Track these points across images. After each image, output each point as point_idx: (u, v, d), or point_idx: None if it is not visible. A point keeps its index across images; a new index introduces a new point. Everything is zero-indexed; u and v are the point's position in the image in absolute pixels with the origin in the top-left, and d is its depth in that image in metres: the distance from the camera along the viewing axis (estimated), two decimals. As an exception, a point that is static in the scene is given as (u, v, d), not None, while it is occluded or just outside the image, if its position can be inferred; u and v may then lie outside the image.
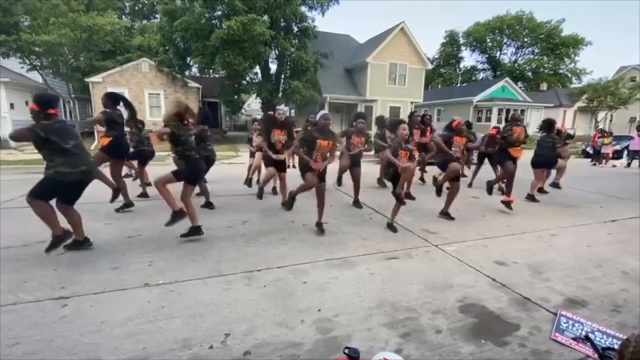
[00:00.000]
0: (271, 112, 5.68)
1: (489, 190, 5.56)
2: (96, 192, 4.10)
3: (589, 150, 14.38)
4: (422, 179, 7.49)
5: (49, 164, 3.02)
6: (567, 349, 2.04)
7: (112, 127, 4.42)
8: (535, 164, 5.86)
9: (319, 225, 4.03)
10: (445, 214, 4.76)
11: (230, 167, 9.92)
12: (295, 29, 15.76)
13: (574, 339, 2.11)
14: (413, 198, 5.78)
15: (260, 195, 5.24)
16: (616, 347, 2.01)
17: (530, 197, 5.84)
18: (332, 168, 5.42)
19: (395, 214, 4.22)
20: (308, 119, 7.87)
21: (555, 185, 6.90)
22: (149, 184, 6.03)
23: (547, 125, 5.73)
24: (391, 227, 4.22)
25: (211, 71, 17.15)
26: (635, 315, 2.42)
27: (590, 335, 2.12)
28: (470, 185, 7.19)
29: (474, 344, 2.06)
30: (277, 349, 1.96)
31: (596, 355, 1.96)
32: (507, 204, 5.15)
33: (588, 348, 2.03)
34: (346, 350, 1.77)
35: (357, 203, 5.34)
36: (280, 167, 5.05)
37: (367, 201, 5.41)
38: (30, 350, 1.90)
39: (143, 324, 2.16)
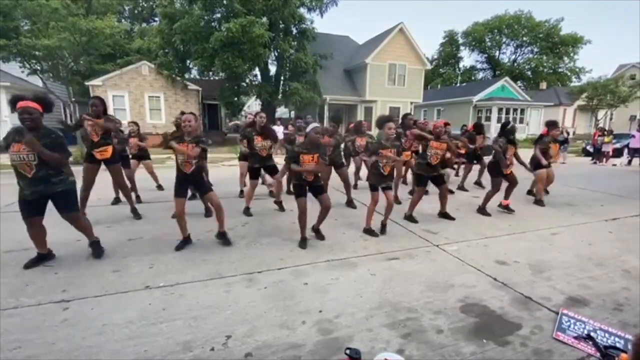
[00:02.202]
0: (251, 116, 4.99)
1: (483, 211, 5.07)
2: (96, 195, 4.10)
3: (589, 148, 14.35)
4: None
5: (65, 171, 3.00)
6: (569, 347, 2.03)
7: (110, 136, 4.32)
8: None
9: (317, 231, 3.88)
10: (444, 215, 4.76)
11: (231, 169, 9.92)
12: (294, 31, 15.78)
13: (575, 337, 2.10)
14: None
15: (247, 213, 4.79)
16: (618, 345, 2.01)
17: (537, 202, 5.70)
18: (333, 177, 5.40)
19: (387, 215, 4.12)
20: (292, 124, 7.17)
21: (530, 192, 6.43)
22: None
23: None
24: (382, 228, 4.10)
25: (211, 73, 17.12)
26: (637, 314, 2.42)
27: (592, 333, 2.11)
28: (460, 187, 6.92)
29: (475, 343, 2.06)
30: (278, 350, 1.96)
31: (598, 354, 1.96)
32: (506, 207, 5.14)
33: (590, 347, 2.02)
34: (347, 351, 1.77)
35: (350, 203, 5.35)
36: (271, 171, 4.86)
37: (368, 202, 5.38)
38: (32, 354, 1.90)
39: (144, 326, 2.16)
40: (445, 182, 4.76)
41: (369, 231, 4.04)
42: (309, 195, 3.66)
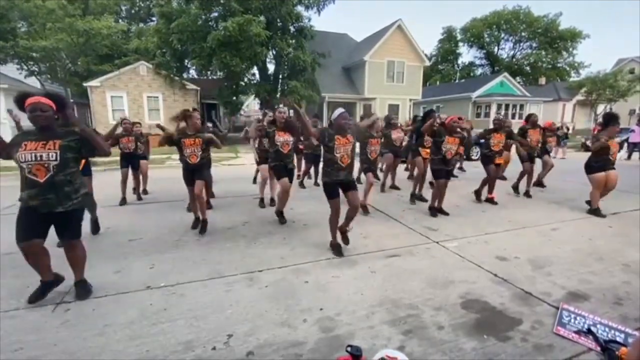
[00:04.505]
0: (270, 114, 4.93)
1: (478, 197, 5.58)
2: (96, 197, 4.09)
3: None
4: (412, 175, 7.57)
5: (81, 182, 2.51)
6: (569, 342, 2.04)
7: None
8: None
9: (343, 232, 3.45)
10: (438, 209, 4.76)
11: (230, 168, 9.92)
12: (292, 29, 15.72)
13: (576, 332, 2.11)
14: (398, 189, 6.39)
15: (281, 219, 4.44)
16: (619, 339, 2.02)
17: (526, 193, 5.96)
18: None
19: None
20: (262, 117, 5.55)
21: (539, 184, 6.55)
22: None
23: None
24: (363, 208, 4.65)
25: (209, 73, 17.09)
26: (637, 308, 2.42)
27: (592, 328, 2.12)
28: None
29: (476, 339, 2.06)
30: (280, 348, 1.97)
31: (599, 348, 1.96)
32: (491, 200, 5.40)
33: (590, 341, 2.03)
34: (348, 349, 1.77)
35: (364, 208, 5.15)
36: (289, 174, 4.38)
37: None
38: (34, 355, 1.90)
39: (145, 326, 2.16)
40: (449, 178, 4.81)
41: (364, 208, 4.71)
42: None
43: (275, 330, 2.14)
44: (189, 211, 4.64)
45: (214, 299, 2.50)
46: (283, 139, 4.28)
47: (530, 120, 6.00)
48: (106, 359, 1.89)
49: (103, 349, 1.96)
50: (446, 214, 4.74)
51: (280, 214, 4.40)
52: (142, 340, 2.03)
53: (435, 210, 4.73)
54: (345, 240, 3.45)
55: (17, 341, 2.01)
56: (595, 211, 4.79)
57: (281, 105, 4.54)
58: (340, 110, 3.33)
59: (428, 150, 5.62)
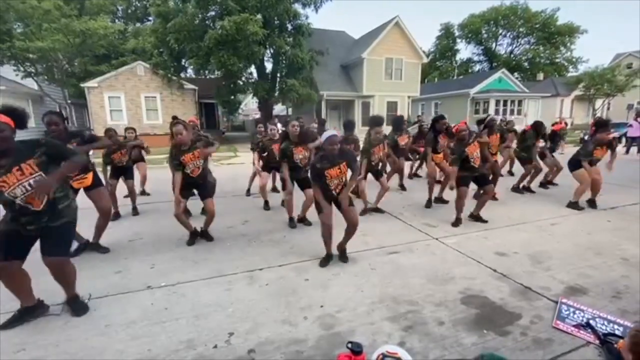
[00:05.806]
0: (274, 128, 4.87)
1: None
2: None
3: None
4: (416, 174, 7.56)
5: (69, 196, 2.34)
6: (568, 336, 2.05)
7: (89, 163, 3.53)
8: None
9: (343, 250, 3.24)
10: (476, 217, 4.38)
11: (230, 167, 9.91)
12: (290, 27, 15.67)
13: (575, 326, 2.12)
14: (405, 189, 6.23)
15: (293, 225, 4.26)
16: (617, 333, 2.03)
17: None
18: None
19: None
20: (259, 129, 6.18)
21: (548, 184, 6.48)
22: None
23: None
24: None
25: (207, 72, 17.01)
26: (636, 301, 2.44)
27: (591, 321, 2.13)
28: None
29: (476, 334, 2.07)
30: (281, 346, 1.98)
31: (598, 342, 1.98)
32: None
33: (589, 334, 2.04)
34: (349, 345, 1.78)
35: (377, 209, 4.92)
36: (305, 184, 4.21)
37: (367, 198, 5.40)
38: (36, 356, 1.91)
39: (147, 326, 2.17)
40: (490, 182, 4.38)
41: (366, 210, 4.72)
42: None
43: (276, 328, 2.15)
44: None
45: (214, 298, 2.51)
46: (302, 155, 4.16)
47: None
48: (108, 359, 1.90)
49: (105, 348, 1.97)
50: (484, 221, 4.28)
51: (304, 218, 4.32)
52: (144, 339, 2.04)
53: (475, 218, 4.36)
54: (344, 258, 3.18)
55: (19, 342, 2.02)
56: (574, 205, 4.87)
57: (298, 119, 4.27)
58: (329, 133, 2.98)
59: (439, 156, 5.34)
